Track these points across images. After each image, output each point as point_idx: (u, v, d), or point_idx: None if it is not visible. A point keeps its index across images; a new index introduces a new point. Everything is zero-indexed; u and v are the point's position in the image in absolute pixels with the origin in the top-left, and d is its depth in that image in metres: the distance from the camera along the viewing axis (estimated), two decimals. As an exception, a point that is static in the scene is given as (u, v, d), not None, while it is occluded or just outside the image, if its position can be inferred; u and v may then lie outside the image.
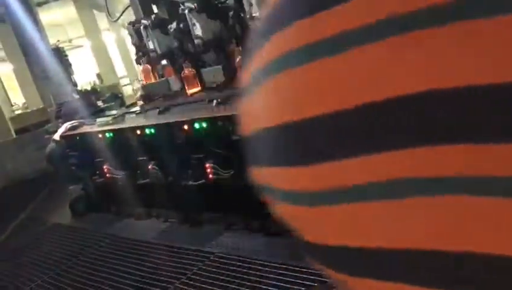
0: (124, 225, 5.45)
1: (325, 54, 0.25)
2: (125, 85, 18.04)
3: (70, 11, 16.82)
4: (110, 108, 6.34)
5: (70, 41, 21.08)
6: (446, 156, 0.22)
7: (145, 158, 4.80)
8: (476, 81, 0.20)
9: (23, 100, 17.20)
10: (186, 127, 4.07)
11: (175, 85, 4.92)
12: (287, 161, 0.29)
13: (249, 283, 3.33)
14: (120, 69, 19.15)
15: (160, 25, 5.28)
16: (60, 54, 8.25)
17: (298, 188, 0.29)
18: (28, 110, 14.92)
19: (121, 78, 18.93)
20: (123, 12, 5.91)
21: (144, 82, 5.72)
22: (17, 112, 15.68)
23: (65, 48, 8.93)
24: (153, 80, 5.54)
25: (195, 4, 4.60)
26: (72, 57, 9.21)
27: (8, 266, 5.25)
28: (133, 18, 6.00)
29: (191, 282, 3.62)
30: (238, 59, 4.38)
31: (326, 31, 0.25)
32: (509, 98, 0.20)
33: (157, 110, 4.72)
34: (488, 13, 0.20)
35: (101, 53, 17.93)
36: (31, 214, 7.29)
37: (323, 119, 0.26)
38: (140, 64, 5.82)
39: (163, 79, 5.13)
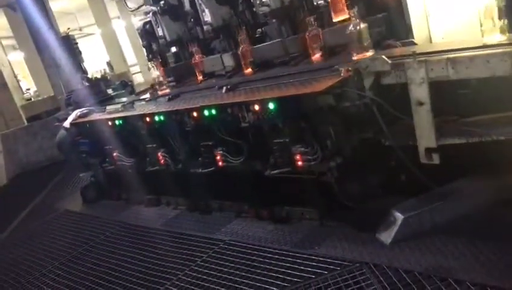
0: (133, 212, 5.48)
1: None
2: (135, 73, 18.05)
3: (81, -1, 16.80)
4: (120, 96, 6.34)
5: (80, 29, 21.11)
6: None
7: (154, 145, 4.79)
8: None
9: (35, 88, 17.30)
10: (195, 114, 4.04)
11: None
12: None
13: (258, 271, 3.32)
14: (131, 57, 19.14)
15: (169, 11, 5.24)
16: (69, 42, 8.24)
17: None
18: (40, 98, 15.00)
19: (131, 66, 18.93)
20: (141, 6, 5.83)
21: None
22: (28, 100, 15.76)
23: (75, 36, 8.91)
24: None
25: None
26: (82, 45, 9.20)
27: (20, 252, 5.31)
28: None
29: (200, 269, 3.62)
30: (245, 46, 4.33)
31: None
32: None
33: (167, 97, 4.69)
34: None
35: (111, 41, 17.93)
36: (42, 201, 7.36)
37: None
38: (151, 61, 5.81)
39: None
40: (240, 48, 4.32)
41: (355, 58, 3.34)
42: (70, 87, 7.33)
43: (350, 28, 3.37)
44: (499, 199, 3.12)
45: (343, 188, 3.54)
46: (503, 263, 2.60)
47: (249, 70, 4.31)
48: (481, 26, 2.90)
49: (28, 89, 18.47)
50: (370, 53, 3.32)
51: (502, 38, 2.81)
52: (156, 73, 5.56)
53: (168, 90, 5.19)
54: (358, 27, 3.34)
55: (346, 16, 3.57)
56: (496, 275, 2.53)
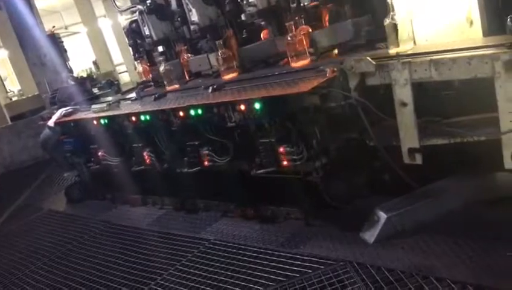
0: (119, 212, 5.44)
1: None
2: (121, 72, 17.90)
3: (66, -3, 16.63)
4: (105, 95, 6.29)
5: (66, 28, 20.88)
6: None
7: (140, 145, 4.76)
8: None
9: (19, 87, 17.05)
10: (181, 113, 4.03)
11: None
12: None
13: (243, 270, 3.33)
14: (117, 56, 18.98)
15: (156, 10, 5.21)
16: (55, 40, 8.18)
17: None
18: (24, 97, 14.79)
19: (118, 65, 18.77)
20: (131, 7, 5.78)
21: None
22: (12, 99, 15.53)
23: (61, 35, 8.82)
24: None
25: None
26: (68, 43, 9.11)
27: (3, 252, 5.24)
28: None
29: (185, 269, 3.62)
30: (234, 45, 4.34)
31: None
32: None
33: (153, 96, 4.67)
34: None
35: (97, 40, 17.77)
36: (26, 201, 7.26)
37: None
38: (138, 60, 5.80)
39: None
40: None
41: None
42: (55, 86, 7.24)
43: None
44: (480, 199, 3.18)
45: (328, 187, 3.57)
46: (483, 261, 2.65)
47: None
48: (463, 29, 2.95)
49: (10, 91, 18.20)
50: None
51: (482, 40, 2.87)
52: (142, 72, 5.56)
53: (154, 90, 5.16)
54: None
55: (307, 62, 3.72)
56: (477, 273, 2.58)
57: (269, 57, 4.25)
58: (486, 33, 3.24)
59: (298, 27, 3.80)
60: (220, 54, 4.25)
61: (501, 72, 2.60)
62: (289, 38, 3.71)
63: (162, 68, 4.90)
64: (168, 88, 4.90)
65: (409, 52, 3.13)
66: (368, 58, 3.15)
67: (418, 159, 3.13)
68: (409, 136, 3.11)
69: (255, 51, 4.37)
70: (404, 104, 3.05)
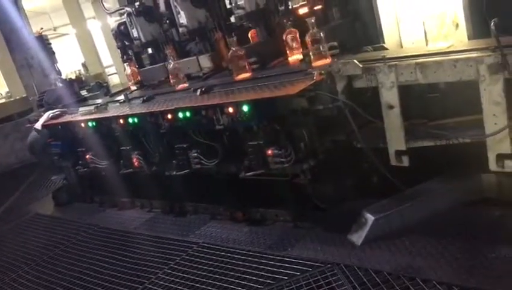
0: (107, 215, 5.40)
1: None
2: (111, 74, 17.80)
3: (55, -2, 16.51)
4: (94, 97, 6.25)
5: (55, 29, 20.72)
6: None
7: (128, 148, 4.74)
8: None
9: (7, 89, 16.85)
10: (169, 116, 4.02)
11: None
12: None
13: (231, 273, 3.32)
14: (107, 58, 18.87)
15: (144, 12, 5.20)
16: (43, 42, 8.09)
17: None
18: (12, 99, 14.62)
19: (107, 67, 18.65)
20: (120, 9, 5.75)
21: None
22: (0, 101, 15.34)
23: (50, 36, 8.74)
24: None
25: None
26: (56, 45, 9.04)
27: (-11, 257, 5.18)
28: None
29: (174, 272, 3.60)
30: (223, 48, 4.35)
31: None
32: None
33: (141, 99, 4.65)
34: None
35: (86, 42, 17.66)
36: (13, 204, 7.17)
37: None
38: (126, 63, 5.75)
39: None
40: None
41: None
42: (43, 88, 7.18)
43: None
44: (466, 200, 3.22)
45: (316, 190, 3.59)
46: (468, 262, 2.68)
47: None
48: (445, 32, 2.99)
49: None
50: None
51: (466, 44, 2.91)
52: (130, 74, 5.53)
53: (142, 92, 5.14)
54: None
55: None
56: (462, 273, 2.60)
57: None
58: (471, 36, 3.29)
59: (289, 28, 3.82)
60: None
61: (485, 75, 2.64)
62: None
63: (171, 66, 4.67)
64: (157, 90, 4.88)
65: (395, 55, 3.16)
66: (355, 61, 3.17)
67: (405, 161, 3.16)
68: (395, 139, 3.13)
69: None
70: (391, 107, 3.08)
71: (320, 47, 3.46)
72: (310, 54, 3.52)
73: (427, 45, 3.08)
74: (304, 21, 4.17)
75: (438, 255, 2.83)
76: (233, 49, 3.95)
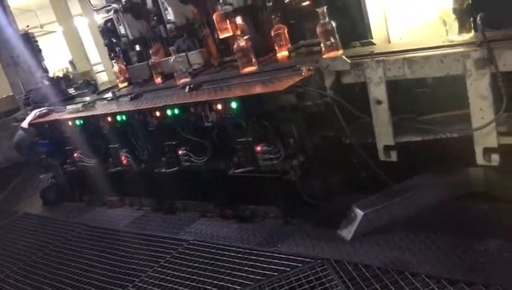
0: (96, 214, 5.36)
1: None
2: (99, 72, 17.62)
3: (41, -5, 16.28)
4: (82, 95, 6.18)
5: (41, 27, 20.44)
6: None
7: (117, 146, 4.70)
8: None
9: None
10: (158, 113, 3.99)
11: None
12: None
13: (221, 270, 3.32)
14: (94, 56, 18.67)
15: (131, 9, 5.14)
16: (29, 39, 7.98)
17: None
18: (-3, 98, 14.42)
19: (95, 64, 18.46)
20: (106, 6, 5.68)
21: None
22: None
23: (36, 34, 8.61)
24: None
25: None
26: (43, 43, 8.92)
27: (-23, 257, 5.11)
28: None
29: (164, 270, 3.59)
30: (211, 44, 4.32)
31: None
32: None
33: (129, 96, 4.61)
34: None
35: (73, 39, 17.45)
36: (1, 204, 7.09)
37: None
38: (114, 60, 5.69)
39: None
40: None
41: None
42: (29, 87, 7.08)
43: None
44: (454, 194, 3.25)
45: (306, 186, 3.59)
46: (456, 256, 2.71)
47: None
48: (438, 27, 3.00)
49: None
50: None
51: (455, 38, 2.92)
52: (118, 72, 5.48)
53: (130, 89, 5.09)
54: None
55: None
56: (450, 267, 2.63)
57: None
58: (458, 31, 3.29)
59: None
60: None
61: (472, 70, 2.65)
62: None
63: (172, 59, 4.53)
64: (144, 88, 4.84)
65: (383, 51, 3.16)
66: (343, 56, 3.17)
67: (394, 156, 3.17)
68: (384, 134, 3.14)
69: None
70: (379, 102, 3.08)
71: (331, 38, 3.28)
72: (321, 45, 3.36)
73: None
74: (292, 15, 4.18)
75: (426, 249, 2.85)
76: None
